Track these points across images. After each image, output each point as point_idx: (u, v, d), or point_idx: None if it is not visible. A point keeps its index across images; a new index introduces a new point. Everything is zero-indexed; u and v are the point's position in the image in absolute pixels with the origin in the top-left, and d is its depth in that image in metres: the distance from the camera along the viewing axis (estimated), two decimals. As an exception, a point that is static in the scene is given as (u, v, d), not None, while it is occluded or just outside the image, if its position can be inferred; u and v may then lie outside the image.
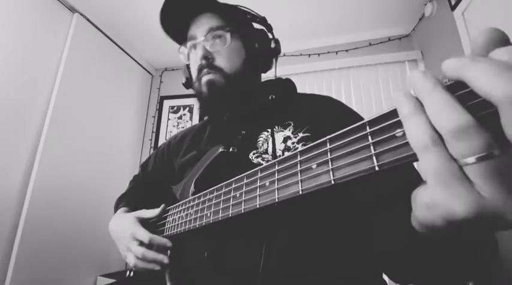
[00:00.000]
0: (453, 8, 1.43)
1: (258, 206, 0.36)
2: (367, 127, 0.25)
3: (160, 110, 2.37)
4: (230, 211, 0.41)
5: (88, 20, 1.77)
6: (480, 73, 0.16)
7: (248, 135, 0.60)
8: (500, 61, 0.16)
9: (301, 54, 2.11)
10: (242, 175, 0.41)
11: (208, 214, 0.46)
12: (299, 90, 0.68)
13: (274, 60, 0.67)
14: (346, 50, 2.02)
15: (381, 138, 0.23)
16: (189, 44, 0.65)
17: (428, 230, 0.23)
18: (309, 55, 2.08)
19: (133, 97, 2.21)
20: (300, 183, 0.31)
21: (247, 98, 0.63)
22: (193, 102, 0.65)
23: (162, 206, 0.64)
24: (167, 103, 2.37)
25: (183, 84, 0.73)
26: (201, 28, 0.62)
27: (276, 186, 0.34)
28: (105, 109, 1.90)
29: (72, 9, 1.69)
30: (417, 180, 0.22)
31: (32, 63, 1.45)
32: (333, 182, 0.27)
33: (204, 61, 0.60)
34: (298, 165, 0.32)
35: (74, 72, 1.64)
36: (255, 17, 0.67)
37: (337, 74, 1.99)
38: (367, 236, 0.44)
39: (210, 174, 0.57)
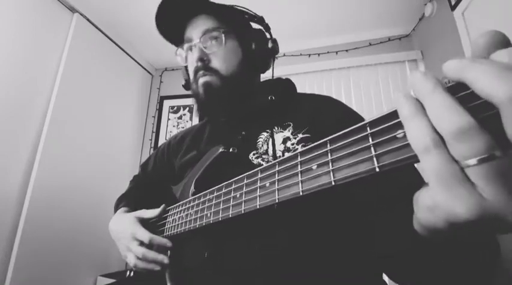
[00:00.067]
0: (453, 8, 1.42)
1: (258, 206, 0.36)
2: (368, 128, 0.25)
3: (160, 110, 2.37)
4: (230, 212, 0.41)
5: (88, 20, 1.77)
6: (481, 75, 0.16)
7: (248, 135, 0.60)
8: (501, 63, 0.16)
9: (301, 54, 2.11)
10: (242, 175, 0.41)
11: (209, 214, 0.46)
12: (299, 90, 0.68)
13: (272, 60, 0.67)
14: (346, 50, 2.02)
15: (382, 139, 0.23)
16: (185, 46, 0.65)
17: (430, 232, 0.22)
18: (309, 55, 2.08)
19: (133, 97, 2.21)
20: (300, 184, 0.31)
21: (245, 98, 0.63)
22: (193, 102, 0.65)
23: (162, 206, 0.64)
24: (167, 103, 2.37)
25: (182, 85, 0.73)
26: (196, 30, 0.62)
27: (277, 187, 0.34)
28: (105, 109, 1.90)
29: (72, 9, 1.69)
30: (419, 182, 0.22)
31: (32, 63, 1.45)
32: (333, 183, 0.27)
33: (200, 63, 0.60)
34: (299, 166, 0.31)
35: (74, 72, 1.64)
36: (252, 16, 0.67)
37: (337, 74, 1.99)
38: (368, 237, 0.44)
39: (210, 174, 0.57)
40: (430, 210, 0.20)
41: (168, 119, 2.33)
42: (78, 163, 1.63)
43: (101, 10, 1.76)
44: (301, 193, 0.30)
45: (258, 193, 0.37)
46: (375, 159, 0.24)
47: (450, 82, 0.19)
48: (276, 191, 0.34)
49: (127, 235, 0.61)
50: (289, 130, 0.56)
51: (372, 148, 0.24)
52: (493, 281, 0.31)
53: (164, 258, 0.56)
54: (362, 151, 0.25)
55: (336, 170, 0.27)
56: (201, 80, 0.61)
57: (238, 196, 0.41)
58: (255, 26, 0.69)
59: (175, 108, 2.34)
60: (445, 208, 0.19)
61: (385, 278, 0.50)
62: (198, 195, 0.52)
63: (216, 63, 0.61)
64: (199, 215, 0.49)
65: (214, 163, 0.58)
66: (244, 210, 0.38)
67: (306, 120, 0.56)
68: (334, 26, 1.94)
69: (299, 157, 0.32)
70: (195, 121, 2.23)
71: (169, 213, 0.61)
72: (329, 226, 0.48)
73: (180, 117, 2.31)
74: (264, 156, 0.56)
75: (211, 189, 0.48)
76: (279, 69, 1.90)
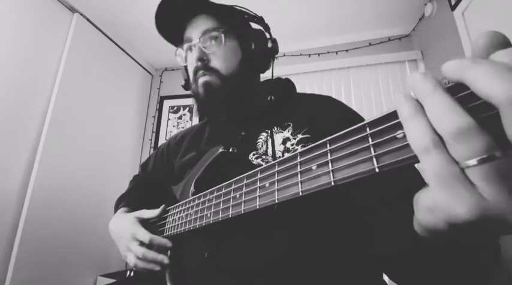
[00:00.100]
0: (453, 8, 1.42)
1: (258, 207, 0.36)
2: (368, 129, 0.25)
3: (160, 110, 2.37)
4: (230, 212, 0.41)
5: (88, 20, 1.77)
6: (481, 75, 0.16)
7: (248, 135, 0.60)
8: (501, 63, 0.16)
9: (301, 54, 2.11)
10: (242, 175, 0.41)
11: (208, 215, 0.46)
12: (299, 90, 0.68)
13: (271, 60, 0.67)
14: (346, 50, 2.02)
15: (382, 139, 0.23)
16: (185, 46, 0.65)
17: (431, 233, 0.22)
18: (309, 55, 2.08)
19: (133, 97, 2.21)
20: (300, 184, 0.31)
21: (245, 98, 0.63)
22: (193, 102, 0.65)
23: (162, 206, 0.64)
24: (167, 103, 2.37)
25: (182, 85, 0.73)
26: (196, 30, 0.62)
27: (276, 187, 0.34)
28: (105, 109, 1.90)
29: (72, 9, 1.69)
30: (419, 182, 0.22)
31: (32, 63, 1.45)
32: (333, 183, 0.27)
33: (199, 63, 0.60)
34: (298, 166, 0.31)
35: (74, 72, 1.64)
36: (252, 16, 0.67)
37: (337, 74, 1.99)
38: (368, 237, 0.44)
39: (210, 174, 0.57)
40: (430, 211, 0.20)
41: (168, 119, 2.33)
42: (78, 163, 1.63)
43: (101, 10, 1.77)
44: (300, 193, 0.30)
45: (258, 193, 0.37)
46: (374, 159, 0.24)
47: (450, 82, 0.19)
48: (276, 192, 0.34)
49: (127, 235, 0.61)
50: (288, 131, 0.56)
51: (372, 149, 0.24)
52: (493, 282, 0.31)
53: (164, 258, 0.56)
54: (362, 151, 0.25)
55: (336, 171, 0.27)
56: (201, 80, 0.61)
57: (238, 196, 0.41)
58: (254, 26, 0.69)
59: (175, 108, 2.34)
60: (445, 209, 0.19)
61: (385, 278, 0.50)
62: (198, 195, 0.52)
63: (215, 63, 0.61)
64: (199, 215, 0.49)
65: (214, 163, 0.58)
66: (244, 210, 0.38)
67: (306, 120, 0.56)
68: (334, 26, 1.94)
69: (299, 157, 0.32)
70: (195, 121, 2.23)
71: (169, 213, 0.61)
72: (329, 226, 0.48)
73: (180, 117, 2.31)
74: (263, 156, 0.56)
75: (211, 189, 0.48)
76: (279, 69, 1.90)
